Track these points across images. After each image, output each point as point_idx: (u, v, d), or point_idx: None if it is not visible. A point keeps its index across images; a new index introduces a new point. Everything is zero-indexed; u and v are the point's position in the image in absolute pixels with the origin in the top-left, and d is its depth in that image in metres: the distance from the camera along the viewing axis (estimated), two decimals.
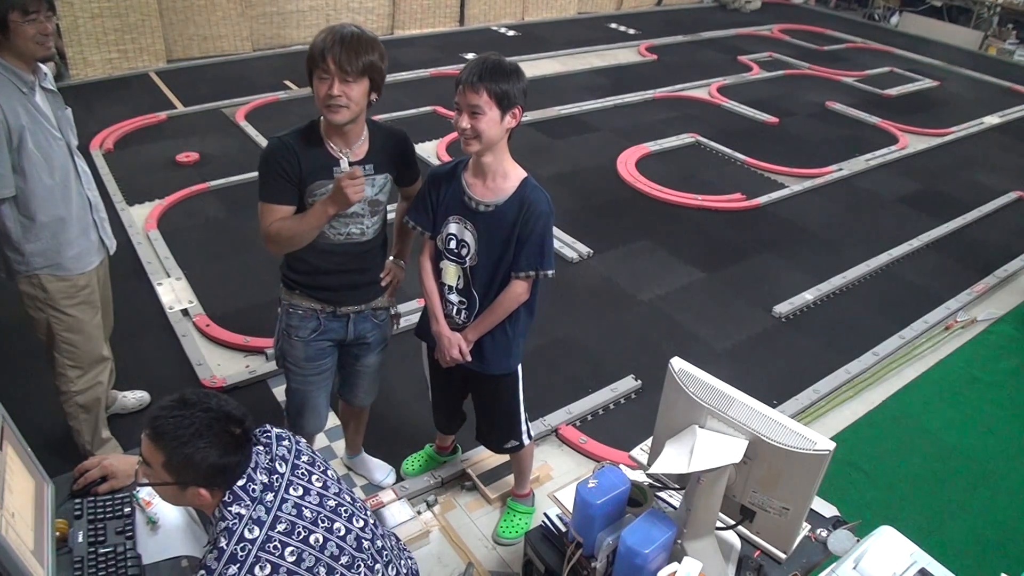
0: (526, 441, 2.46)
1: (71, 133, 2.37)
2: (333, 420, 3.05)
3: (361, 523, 1.66)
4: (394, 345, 3.49)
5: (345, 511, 1.63)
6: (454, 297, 2.20)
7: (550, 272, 2.10)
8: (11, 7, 2.06)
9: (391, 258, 2.37)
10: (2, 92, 2.11)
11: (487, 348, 2.22)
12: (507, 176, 2.06)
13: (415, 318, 3.55)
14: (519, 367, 2.33)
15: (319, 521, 1.55)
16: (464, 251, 2.12)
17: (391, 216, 2.26)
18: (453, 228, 2.12)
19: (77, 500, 1.78)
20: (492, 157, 2.02)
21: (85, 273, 2.44)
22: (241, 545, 1.43)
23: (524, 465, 2.60)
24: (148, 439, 1.45)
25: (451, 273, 2.17)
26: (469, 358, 2.22)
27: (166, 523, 1.77)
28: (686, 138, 6.02)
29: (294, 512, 1.52)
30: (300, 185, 2.03)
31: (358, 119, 2.01)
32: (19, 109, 2.14)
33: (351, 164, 2.03)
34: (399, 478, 2.81)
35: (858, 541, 1.89)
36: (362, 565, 1.60)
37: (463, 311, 2.20)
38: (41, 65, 2.26)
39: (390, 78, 6.80)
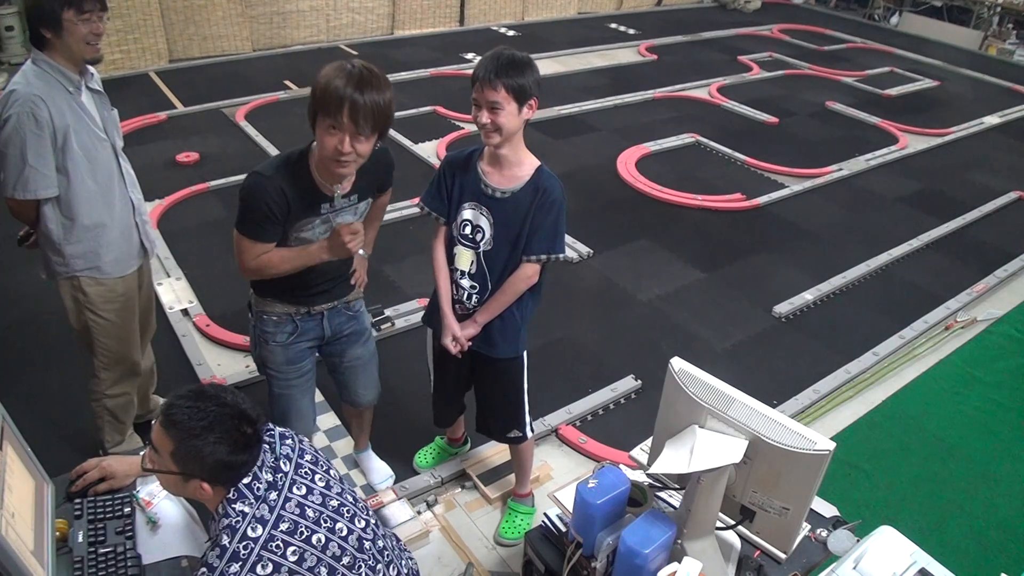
0: (529, 433, 2.47)
1: (117, 135, 2.35)
2: (333, 420, 3.05)
3: (363, 523, 1.66)
4: (394, 343, 3.53)
5: (347, 511, 1.63)
6: (466, 282, 2.22)
7: (561, 256, 2.16)
8: (66, 5, 2.03)
9: (359, 251, 2.35)
10: (48, 91, 2.09)
11: (496, 332, 2.25)
12: (522, 164, 2.11)
13: (414, 319, 3.63)
14: (525, 353, 2.35)
15: (322, 521, 1.55)
16: (479, 236, 2.16)
17: None
18: (468, 214, 2.16)
19: (76, 501, 1.78)
20: (509, 148, 2.07)
21: (124, 278, 2.42)
22: (244, 543, 1.43)
23: (525, 462, 2.60)
24: (160, 425, 1.46)
25: (465, 258, 2.20)
26: (467, 346, 2.24)
27: (166, 523, 1.77)
28: (686, 138, 6.02)
29: (297, 511, 1.52)
30: (285, 224, 1.98)
31: None
32: (65, 108, 2.12)
33: (341, 196, 2.01)
34: (399, 481, 2.81)
35: (858, 541, 1.89)
36: (363, 566, 1.61)
37: (474, 296, 2.23)
38: (88, 66, 2.23)
39: (390, 78, 6.87)
